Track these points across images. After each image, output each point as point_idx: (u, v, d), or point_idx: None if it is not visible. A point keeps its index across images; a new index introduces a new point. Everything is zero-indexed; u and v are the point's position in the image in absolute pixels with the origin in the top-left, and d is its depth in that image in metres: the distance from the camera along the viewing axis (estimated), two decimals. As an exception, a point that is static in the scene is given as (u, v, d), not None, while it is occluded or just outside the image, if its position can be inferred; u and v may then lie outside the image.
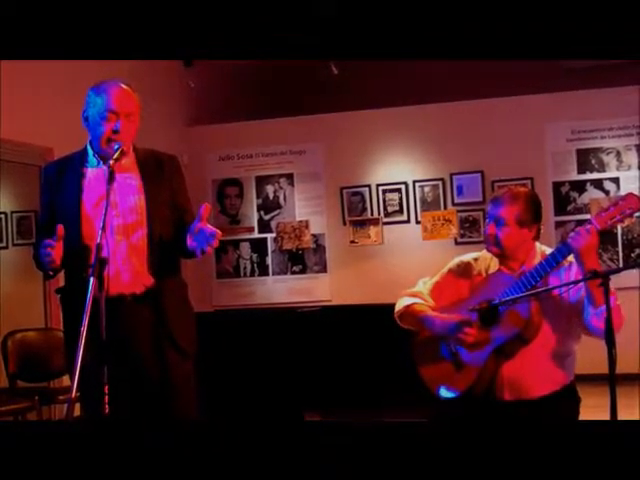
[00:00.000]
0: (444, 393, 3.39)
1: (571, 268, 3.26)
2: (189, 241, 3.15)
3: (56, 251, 3.08)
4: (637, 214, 7.79)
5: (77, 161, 3.33)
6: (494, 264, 3.43)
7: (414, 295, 3.55)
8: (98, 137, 3.25)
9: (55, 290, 3.45)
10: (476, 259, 3.52)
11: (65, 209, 3.26)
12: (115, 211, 3.23)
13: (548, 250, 3.33)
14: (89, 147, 3.32)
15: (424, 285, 3.58)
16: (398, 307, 3.55)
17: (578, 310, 3.20)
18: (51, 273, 3.22)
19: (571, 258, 3.22)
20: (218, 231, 3.09)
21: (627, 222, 3.15)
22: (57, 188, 3.32)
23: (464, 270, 3.51)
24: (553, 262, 3.20)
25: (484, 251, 3.50)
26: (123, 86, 3.29)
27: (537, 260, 3.30)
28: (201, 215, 3.11)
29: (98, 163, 3.28)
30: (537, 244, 3.41)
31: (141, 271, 3.26)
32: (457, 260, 3.57)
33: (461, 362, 3.35)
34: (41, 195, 3.46)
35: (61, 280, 3.38)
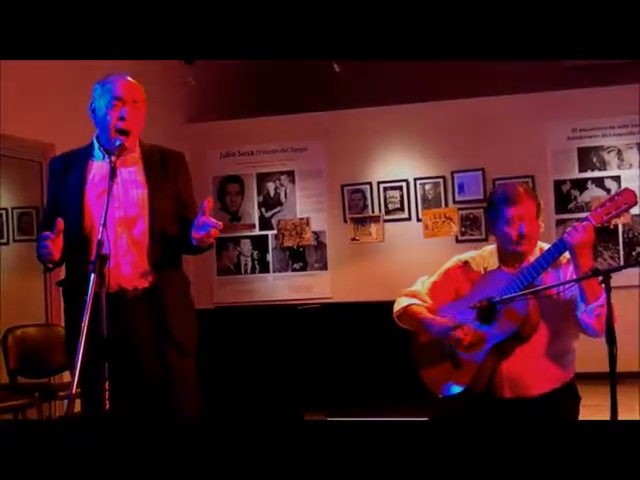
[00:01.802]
0: (449, 390, 3.39)
1: (569, 265, 3.26)
2: (192, 234, 3.16)
3: (54, 245, 3.08)
4: (636, 212, 7.76)
5: (83, 155, 3.35)
6: (493, 262, 3.43)
7: (412, 295, 3.56)
8: (106, 127, 3.27)
9: (56, 282, 3.46)
10: (474, 258, 3.52)
11: (68, 201, 3.28)
12: (117, 203, 3.24)
13: (546, 247, 3.33)
14: (95, 141, 3.34)
15: (422, 285, 3.59)
16: (396, 308, 3.56)
17: (573, 307, 3.21)
18: (50, 266, 3.22)
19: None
20: (219, 223, 3.11)
21: (623, 217, 3.16)
22: (62, 181, 3.34)
23: (462, 269, 3.52)
24: (550, 258, 3.21)
25: (482, 249, 3.51)
26: (129, 78, 3.32)
27: (535, 257, 3.31)
28: (204, 209, 3.13)
29: (104, 157, 3.29)
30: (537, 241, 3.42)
31: (142, 265, 3.27)
32: (455, 259, 3.57)
33: (460, 361, 3.36)
34: (48, 188, 3.48)
35: (62, 273, 3.38)
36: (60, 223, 3.08)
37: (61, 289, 3.40)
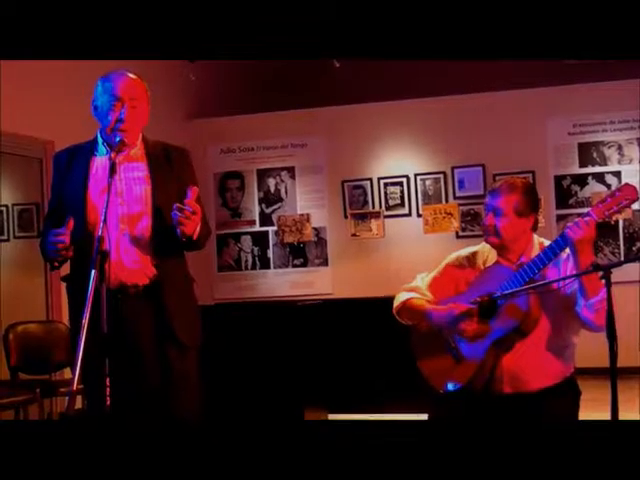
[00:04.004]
0: (450, 385, 3.39)
1: (569, 260, 3.26)
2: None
3: (67, 239, 3.09)
4: (636, 207, 7.76)
5: (87, 149, 3.35)
6: (492, 256, 3.43)
7: (412, 290, 3.56)
8: (105, 126, 3.28)
9: (61, 278, 3.45)
10: (474, 253, 3.52)
11: (71, 196, 3.28)
12: (120, 199, 3.24)
13: (546, 242, 3.33)
14: (99, 136, 3.34)
15: (422, 281, 3.58)
16: (396, 303, 3.56)
17: (573, 302, 3.21)
18: (56, 264, 3.22)
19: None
20: (186, 208, 3.10)
21: (624, 213, 3.16)
22: (65, 175, 3.34)
23: (462, 264, 3.52)
24: (551, 254, 3.20)
25: (482, 244, 3.50)
26: (130, 75, 3.32)
27: (535, 252, 3.31)
28: (189, 196, 3.12)
29: (107, 152, 3.28)
30: (535, 236, 3.42)
31: (144, 261, 3.27)
32: (455, 254, 3.57)
33: (460, 355, 3.36)
34: (52, 182, 3.47)
35: (64, 269, 3.38)
36: (71, 222, 3.08)
37: (64, 285, 3.40)
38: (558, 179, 8.39)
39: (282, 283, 9.03)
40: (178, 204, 3.11)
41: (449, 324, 3.35)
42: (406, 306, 3.53)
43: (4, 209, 7.35)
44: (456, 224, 8.60)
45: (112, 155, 3.12)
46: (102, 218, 2.96)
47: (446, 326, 3.37)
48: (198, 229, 3.20)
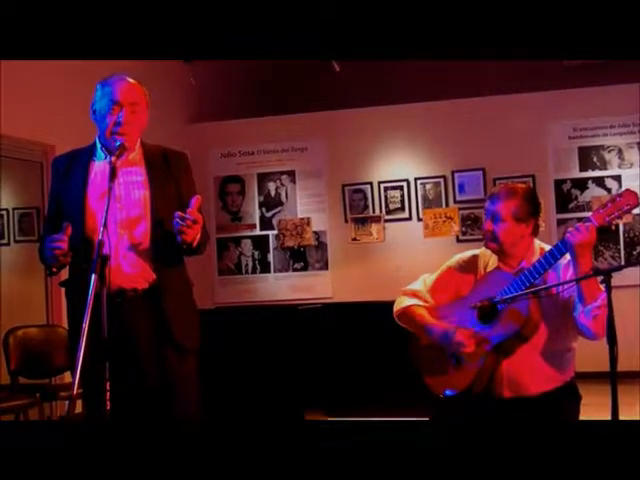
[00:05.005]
0: (450, 390, 3.39)
1: (569, 266, 3.25)
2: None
3: (65, 245, 3.08)
4: (637, 211, 7.76)
5: (86, 154, 3.34)
6: (493, 261, 3.43)
7: (413, 294, 3.55)
8: (103, 130, 3.27)
9: (59, 283, 3.45)
10: (475, 256, 3.52)
11: (70, 201, 3.27)
12: (119, 204, 3.23)
13: (546, 247, 3.33)
14: (97, 141, 3.34)
15: (424, 282, 3.58)
16: (397, 307, 3.55)
17: (572, 307, 3.20)
18: (54, 270, 3.22)
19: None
20: (188, 217, 3.09)
21: (625, 218, 3.16)
22: (64, 180, 3.33)
23: (463, 267, 3.52)
24: (551, 259, 3.20)
25: (483, 248, 3.50)
26: (129, 79, 3.31)
27: (536, 257, 3.30)
28: (192, 205, 3.12)
29: (106, 157, 3.28)
30: (535, 241, 3.41)
31: (143, 266, 3.26)
32: (456, 257, 3.57)
33: (460, 361, 3.35)
34: (50, 187, 3.47)
35: (64, 274, 3.37)
36: (69, 228, 3.08)
37: (63, 290, 3.40)
38: (558, 183, 8.39)
39: (282, 287, 9.03)
40: (180, 213, 3.11)
41: (447, 339, 3.35)
42: (406, 313, 3.53)
43: (5, 213, 7.35)
44: (456, 228, 8.60)
45: (113, 159, 3.11)
46: (102, 222, 2.96)
47: (444, 343, 3.37)
48: (198, 237, 3.20)
